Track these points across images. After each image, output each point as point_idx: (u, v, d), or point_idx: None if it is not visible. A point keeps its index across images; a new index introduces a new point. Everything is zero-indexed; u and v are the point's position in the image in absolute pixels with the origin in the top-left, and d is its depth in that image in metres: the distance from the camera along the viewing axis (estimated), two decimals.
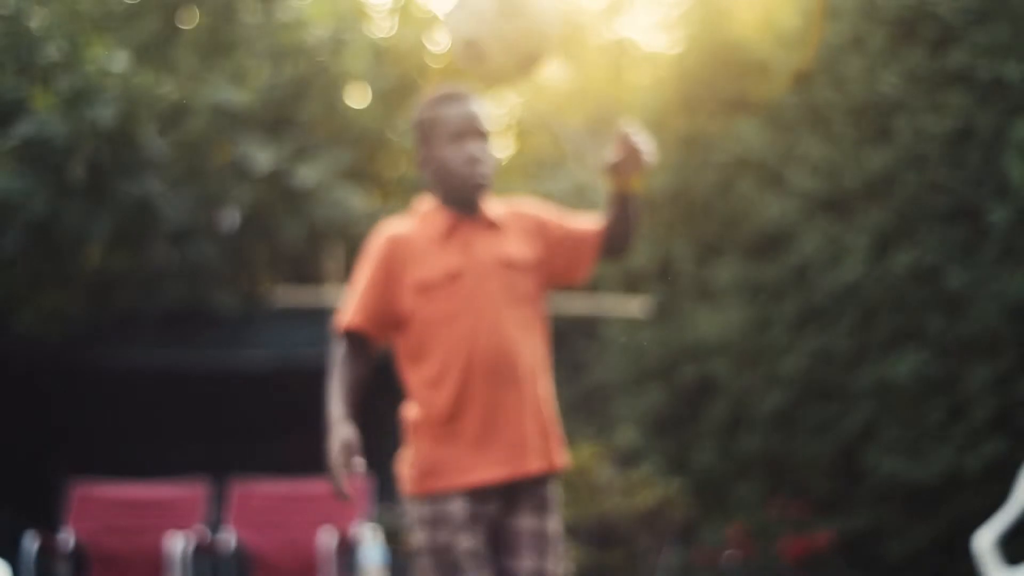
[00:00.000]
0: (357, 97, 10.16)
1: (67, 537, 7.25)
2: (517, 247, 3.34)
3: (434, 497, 3.21)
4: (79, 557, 7.36)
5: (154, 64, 10.35)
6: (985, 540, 5.62)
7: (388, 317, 3.27)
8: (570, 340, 10.19)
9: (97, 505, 7.41)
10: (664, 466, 7.92)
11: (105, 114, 8.77)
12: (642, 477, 7.64)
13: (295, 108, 9.90)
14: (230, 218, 9.81)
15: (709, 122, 7.98)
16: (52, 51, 9.05)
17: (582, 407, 9.63)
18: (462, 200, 3.31)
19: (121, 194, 9.02)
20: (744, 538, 7.06)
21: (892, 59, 6.94)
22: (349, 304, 3.28)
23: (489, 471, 3.21)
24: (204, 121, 10.04)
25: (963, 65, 6.57)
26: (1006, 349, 6.38)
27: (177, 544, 6.88)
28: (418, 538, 3.22)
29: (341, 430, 3.13)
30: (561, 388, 10.29)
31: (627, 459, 8.25)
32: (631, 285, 8.42)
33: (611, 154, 3.34)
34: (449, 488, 3.20)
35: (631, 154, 3.32)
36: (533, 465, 3.24)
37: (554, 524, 3.29)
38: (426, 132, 3.33)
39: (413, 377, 3.28)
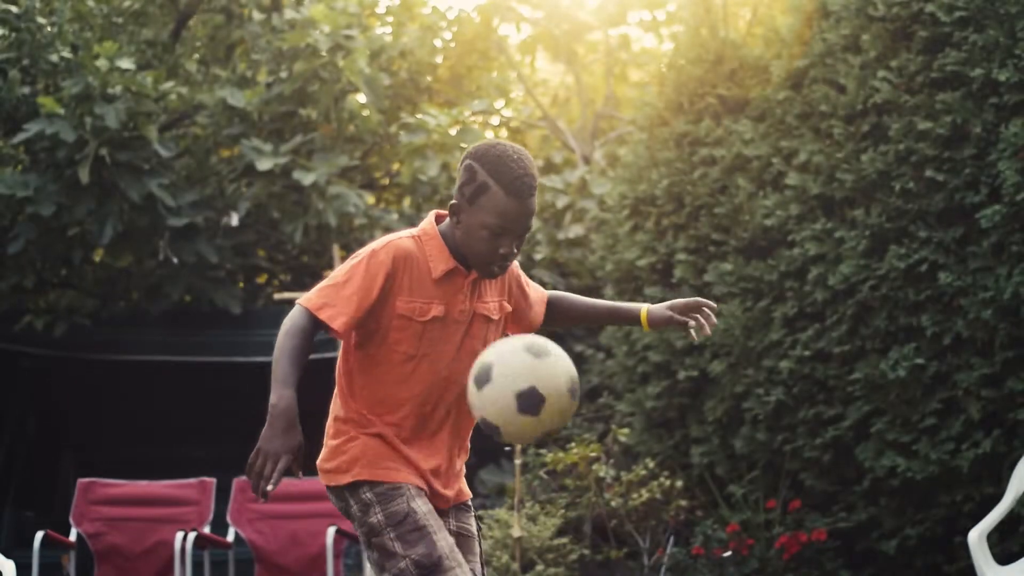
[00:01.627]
0: (359, 98, 10.20)
1: (73, 534, 7.28)
2: (494, 299, 3.41)
3: (383, 480, 3.24)
4: (85, 554, 7.39)
5: (160, 65, 10.41)
6: (978, 536, 5.67)
7: (361, 324, 3.26)
8: (569, 340, 10.24)
9: (103, 502, 7.43)
10: (663, 464, 7.97)
11: (111, 115, 8.82)
12: (641, 476, 7.68)
13: (298, 109, 9.94)
14: (232, 217, 9.87)
15: (706, 122, 8.03)
16: (59, 53, 9.10)
17: (581, 406, 9.68)
18: (469, 267, 3.33)
19: (127, 193, 9.07)
20: (742, 535, 7.11)
21: (886, 60, 6.99)
22: (327, 289, 3.22)
23: (426, 469, 3.30)
24: (209, 121, 10.10)
25: (957, 67, 6.61)
26: (999, 348, 6.43)
27: (182, 541, 6.90)
28: (370, 521, 3.22)
29: (293, 429, 3.06)
30: None
31: (626, 458, 8.29)
32: (630, 284, 8.46)
33: (679, 317, 3.52)
34: (398, 474, 3.25)
35: (694, 324, 3.50)
36: (458, 495, 3.39)
37: (474, 527, 3.44)
38: (476, 190, 3.26)
39: (362, 389, 3.31)
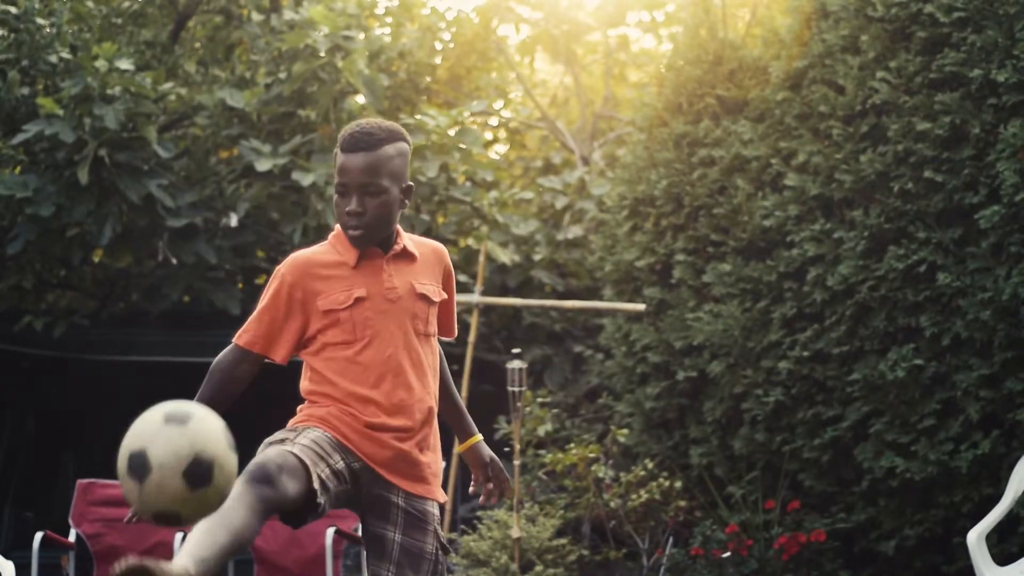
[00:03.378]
0: (358, 98, 10.19)
1: (72, 535, 7.28)
2: (427, 280, 3.44)
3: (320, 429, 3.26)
4: (84, 555, 7.39)
5: (159, 66, 10.41)
6: (977, 537, 5.67)
7: (292, 337, 3.35)
8: (568, 340, 10.24)
9: (102, 503, 7.43)
10: (662, 465, 7.98)
11: (110, 116, 8.82)
12: (640, 476, 7.68)
13: (297, 110, 9.94)
14: (232, 218, 9.87)
15: (705, 123, 8.03)
16: (58, 53, 9.10)
17: (581, 406, 9.68)
18: (386, 248, 3.39)
19: (126, 194, 9.07)
20: (741, 536, 7.11)
21: (885, 61, 7.00)
22: (252, 322, 3.37)
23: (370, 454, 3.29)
24: (208, 122, 10.10)
25: (955, 67, 6.62)
26: (998, 348, 6.43)
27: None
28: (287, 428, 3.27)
29: None
30: (560, 388, 10.37)
31: (625, 458, 8.30)
32: (629, 285, 8.47)
33: (480, 472, 3.63)
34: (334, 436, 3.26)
35: (495, 491, 3.62)
36: (415, 487, 3.36)
37: (430, 546, 3.38)
38: (334, 171, 3.42)
39: (310, 390, 3.37)
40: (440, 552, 3.40)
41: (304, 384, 3.39)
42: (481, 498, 3.63)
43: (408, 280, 3.39)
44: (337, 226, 3.44)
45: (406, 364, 3.34)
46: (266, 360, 3.38)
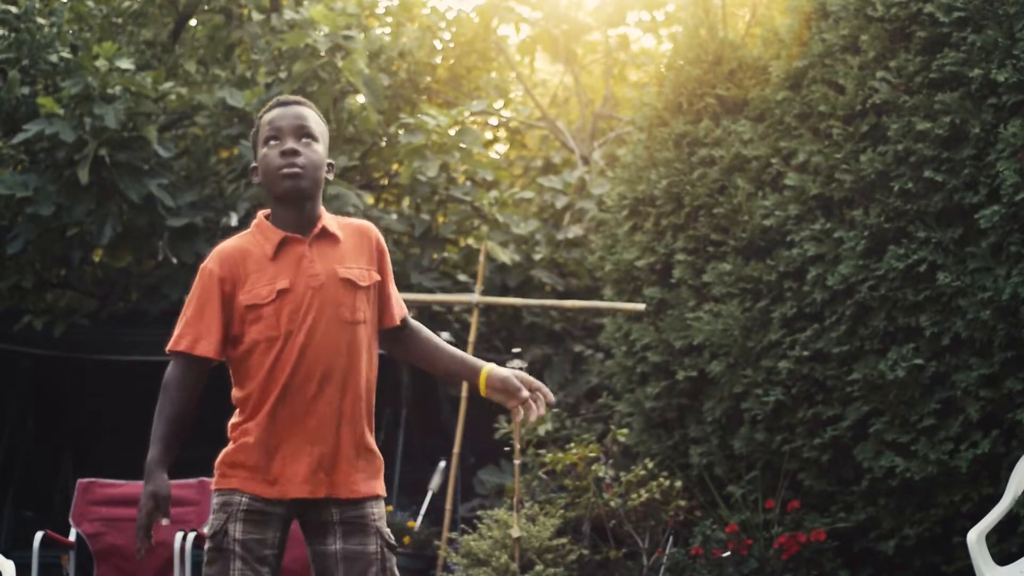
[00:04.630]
0: (358, 98, 10.20)
1: (72, 535, 7.28)
2: (354, 263, 3.31)
3: (231, 492, 3.23)
4: (84, 555, 7.39)
5: (159, 66, 10.41)
6: (977, 536, 5.67)
7: (227, 332, 3.26)
8: (568, 340, 10.25)
9: (102, 503, 7.43)
10: (662, 465, 7.98)
11: (111, 115, 8.82)
12: (640, 476, 7.69)
13: None
14: (232, 218, 9.87)
15: (705, 122, 8.03)
16: (59, 53, 9.10)
17: (581, 406, 9.68)
18: (282, 199, 3.27)
19: (126, 194, 9.07)
20: (741, 536, 7.11)
21: (885, 61, 7.00)
22: (187, 325, 3.25)
23: (296, 488, 3.21)
24: (208, 122, 10.10)
25: (955, 67, 6.62)
26: (997, 348, 6.43)
27: (181, 541, 6.91)
28: (213, 526, 3.21)
29: (152, 481, 3.15)
30: (560, 387, 10.36)
31: (625, 458, 8.30)
32: (629, 285, 8.47)
33: (519, 392, 3.38)
34: (235, 480, 3.23)
35: (522, 404, 3.39)
36: (353, 488, 3.26)
37: (372, 546, 3.26)
38: (253, 141, 3.35)
39: (237, 389, 3.29)
40: (385, 550, 3.28)
41: (234, 393, 3.31)
42: (532, 415, 3.39)
43: (331, 265, 3.27)
44: (260, 213, 3.36)
45: (330, 353, 3.22)
46: (212, 363, 3.27)
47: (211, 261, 3.28)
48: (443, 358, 3.51)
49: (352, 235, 3.36)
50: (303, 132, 3.28)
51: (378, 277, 3.36)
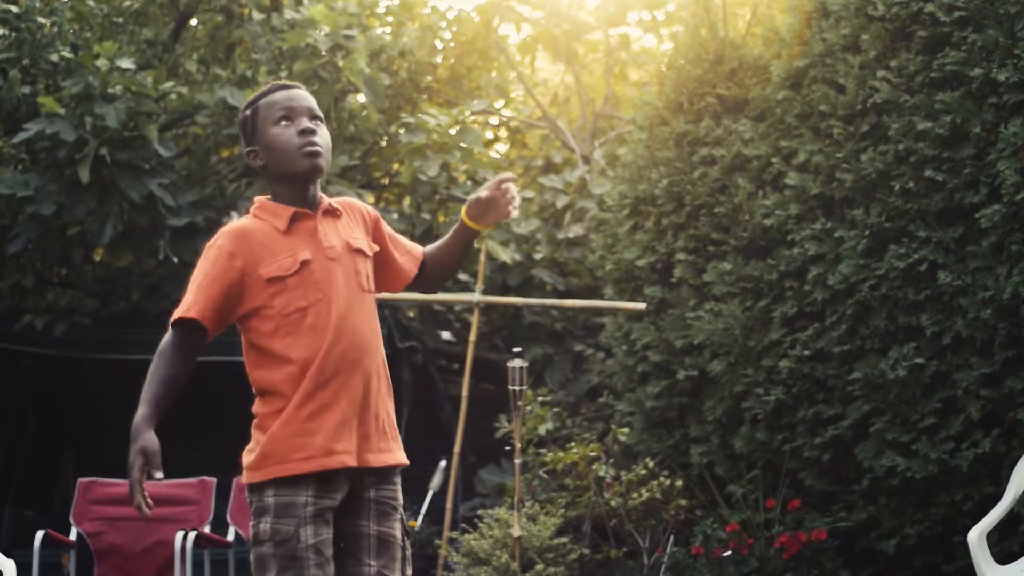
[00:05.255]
0: (359, 97, 10.20)
1: (73, 534, 7.28)
2: (359, 235, 3.37)
3: (280, 481, 3.17)
4: (85, 554, 7.39)
5: (160, 65, 10.41)
6: (978, 536, 5.68)
7: (230, 311, 3.22)
8: (569, 340, 10.25)
9: (103, 502, 7.43)
10: (662, 464, 7.98)
11: (111, 114, 8.82)
12: (640, 475, 7.69)
13: None
14: (232, 217, 9.87)
15: (706, 122, 8.03)
16: (60, 52, 9.10)
17: (581, 405, 9.68)
18: (297, 178, 3.28)
19: (127, 193, 9.07)
20: (742, 535, 7.11)
21: (885, 60, 7.00)
22: (189, 296, 3.23)
23: (341, 459, 3.20)
24: (209, 121, 10.10)
25: (956, 66, 6.62)
26: (998, 347, 6.43)
27: (182, 541, 6.91)
28: (260, 527, 3.18)
29: (141, 438, 3.12)
30: (561, 387, 10.35)
31: (626, 457, 8.30)
32: (629, 284, 8.47)
33: (485, 193, 3.39)
34: (298, 473, 3.16)
35: (504, 201, 3.40)
36: (380, 457, 3.27)
37: (398, 531, 3.30)
38: (252, 124, 3.32)
39: (268, 371, 3.23)
40: (405, 537, 3.34)
41: (257, 374, 3.26)
42: (509, 208, 3.42)
43: (342, 237, 3.33)
44: (257, 198, 3.37)
45: (357, 322, 3.25)
46: (205, 335, 3.26)
47: (219, 238, 3.27)
48: (448, 250, 3.56)
49: (346, 211, 3.43)
50: (314, 113, 3.32)
51: (376, 247, 3.44)
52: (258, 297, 3.23)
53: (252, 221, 3.32)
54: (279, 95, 3.32)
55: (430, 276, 3.59)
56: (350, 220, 3.40)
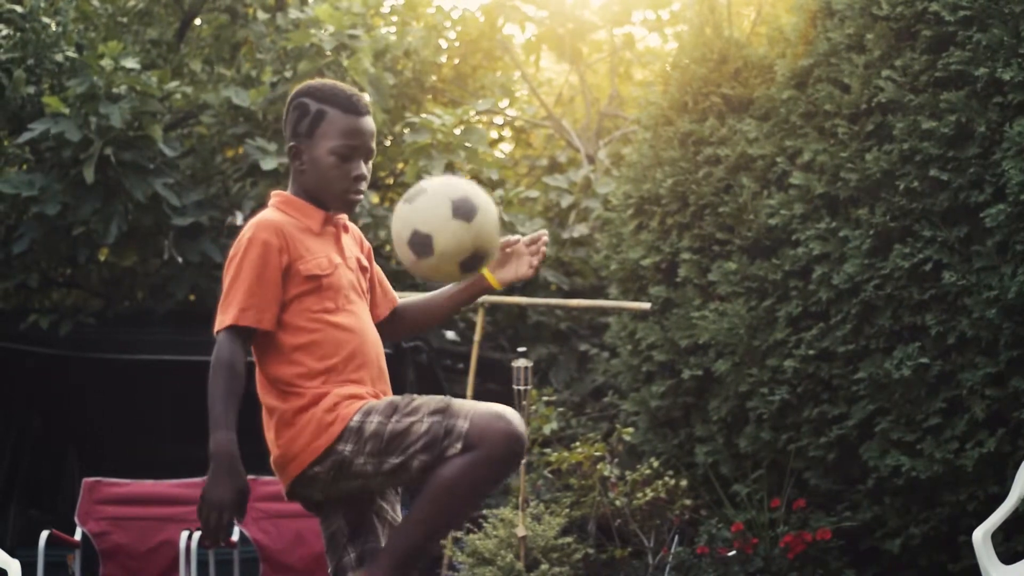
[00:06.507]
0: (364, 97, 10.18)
1: (78, 534, 7.29)
2: (360, 255, 3.42)
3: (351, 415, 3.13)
4: (90, 553, 7.40)
5: (164, 65, 10.41)
6: (983, 535, 5.67)
7: (278, 309, 3.15)
8: (573, 339, 10.24)
9: (108, 502, 7.44)
10: (667, 463, 7.98)
11: (116, 114, 8.82)
12: (645, 475, 7.68)
13: None
14: (237, 217, 9.88)
15: (711, 121, 8.03)
16: (64, 52, 9.10)
17: (586, 405, 9.68)
18: (328, 208, 3.29)
19: (132, 193, 9.08)
20: (747, 534, 7.11)
21: (890, 59, 6.99)
22: (249, 297, 3.09)
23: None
24: (213, 121, 10.10)
25: (961, 66, 6.61)
26: (1003, 347, 6.43)
27: (187, 540, 6.91)
28: (370, 431, 3.06)
29: (238, 475, 2.95)
30: (565, 386, 10.37)
31: (631, 457, 8.30)
32: (634, 284, 8.47)
33: (515, 238, 3.48)
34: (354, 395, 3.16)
35: (529, 253, 3.55)
36: None
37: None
38: (310, 126, 3.24)
39: (297, 368, 3.14)
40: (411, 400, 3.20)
41: (282, 370, 3.16)
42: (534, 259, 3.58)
43: (353, 251, 3.37)
44: (282, 193, 3.33)
45: (369, 331, 3.28)
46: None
47: (262, 231, 3.16)
48: (439, 303, 3.53)
49: (351, 230, 3.47)
50: (371, 154, 3.29)
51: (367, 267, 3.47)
52: (290, 293, 3.18)
53: (280, 216, 3.25)
54: (350, 122, 3.23)
55: (400, 324, 3.53)
56: (353, 240, 3.43)
